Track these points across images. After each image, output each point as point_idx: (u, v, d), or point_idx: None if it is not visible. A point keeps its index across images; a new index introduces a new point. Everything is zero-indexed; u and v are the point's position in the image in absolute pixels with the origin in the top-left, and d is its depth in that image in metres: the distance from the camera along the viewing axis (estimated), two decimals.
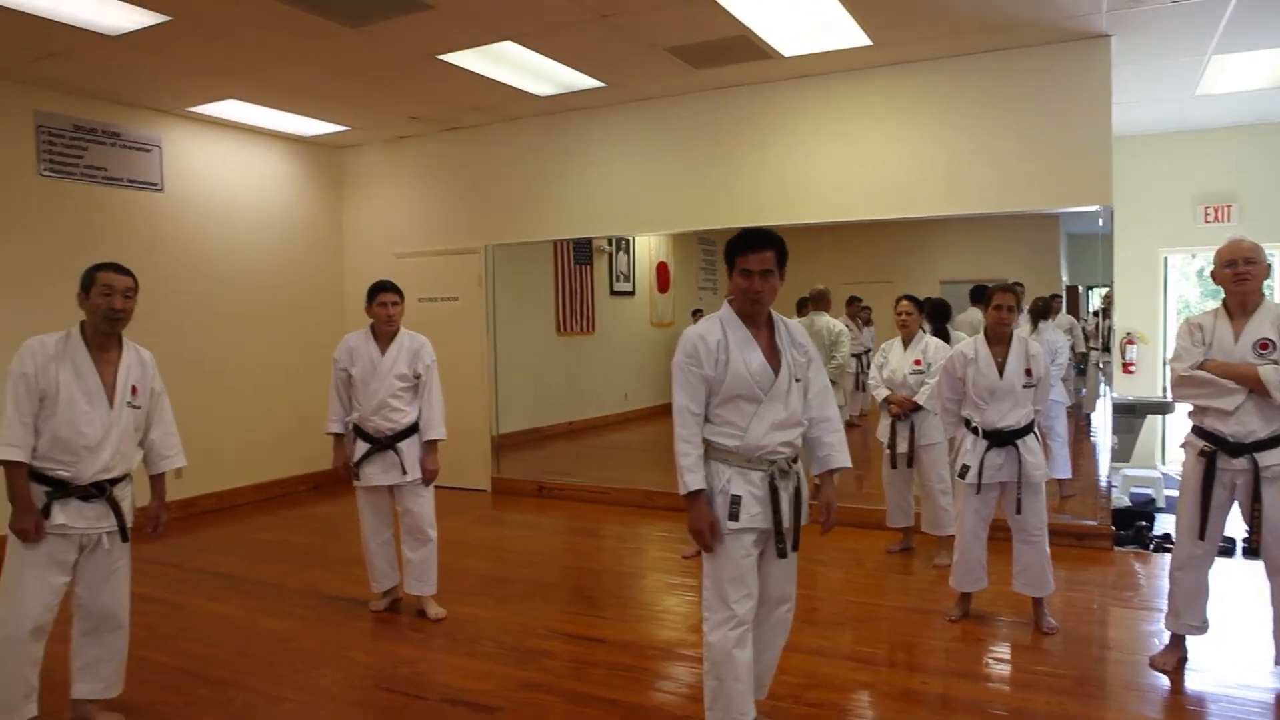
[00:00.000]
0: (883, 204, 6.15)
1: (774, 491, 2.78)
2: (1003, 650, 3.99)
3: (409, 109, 7.02)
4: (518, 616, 4.50)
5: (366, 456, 4.43)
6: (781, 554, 2.84)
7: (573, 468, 8.03)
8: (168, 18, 4.86)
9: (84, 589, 3.26)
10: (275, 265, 7.86)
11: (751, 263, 2.74)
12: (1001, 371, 4.03)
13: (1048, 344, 5.57)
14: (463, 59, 5.70)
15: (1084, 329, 7.34)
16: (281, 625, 4.48)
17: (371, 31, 5.14)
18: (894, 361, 5.34)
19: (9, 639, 3.02)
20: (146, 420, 3.43)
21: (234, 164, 7.51)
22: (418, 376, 4.47)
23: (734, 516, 2.77)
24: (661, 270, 11.64)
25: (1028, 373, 4.04)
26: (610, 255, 10.79)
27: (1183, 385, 3.51)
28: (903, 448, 5.28)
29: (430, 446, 4.48)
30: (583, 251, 10.09)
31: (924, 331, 5.37)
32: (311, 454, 7.85)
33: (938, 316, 5.61)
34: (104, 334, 3.27)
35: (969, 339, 4.25)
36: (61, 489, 3.10)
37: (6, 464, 3.03)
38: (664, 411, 8.82)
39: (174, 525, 6.69)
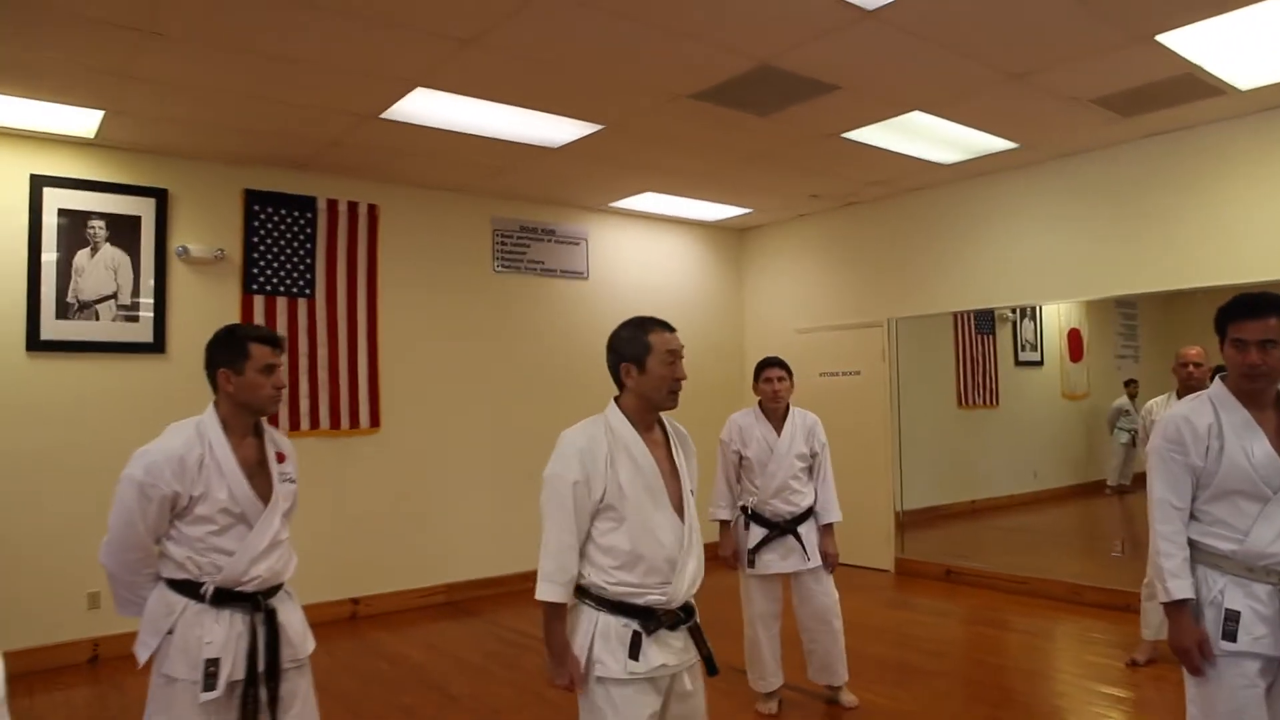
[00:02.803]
0: None
1: None
2: None
3: (810, 188, 7.15)
4: (930, 712, 4.19)
5: (765, 542, 4.25)
6: None
7: (976, 550, 7.46)
8: (601, 126, 5.44)
9: None
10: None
11: (1247, 332, 2.33)
12: None
13: None
14: (866, 134, 5.69)
15: None
16: None
17: (778, 118, 5.32)
18: None
19: None
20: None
21: (647, 250, 8.18)
22: (814, 455, 4.35)
23: (1230, 636, 2.32)
24: (1074, 337, 10.61)
25: None
26: (1014, 323, 10.06)
27: None
28: None
29: (828, 530, 4.30)
30: (985, 320, 9.51)
31: None
32: (709, 528, 8.09)
33: None
34: (659, 408, 2.46)
35: None
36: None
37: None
38: (1081, 493, 7.98)
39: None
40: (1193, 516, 2.42)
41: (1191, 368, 4.35)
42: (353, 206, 6.43)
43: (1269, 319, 2.31)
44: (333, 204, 6.35)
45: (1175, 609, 2.37)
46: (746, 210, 7.90)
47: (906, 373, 7.80)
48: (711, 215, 8.07)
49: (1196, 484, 2.39)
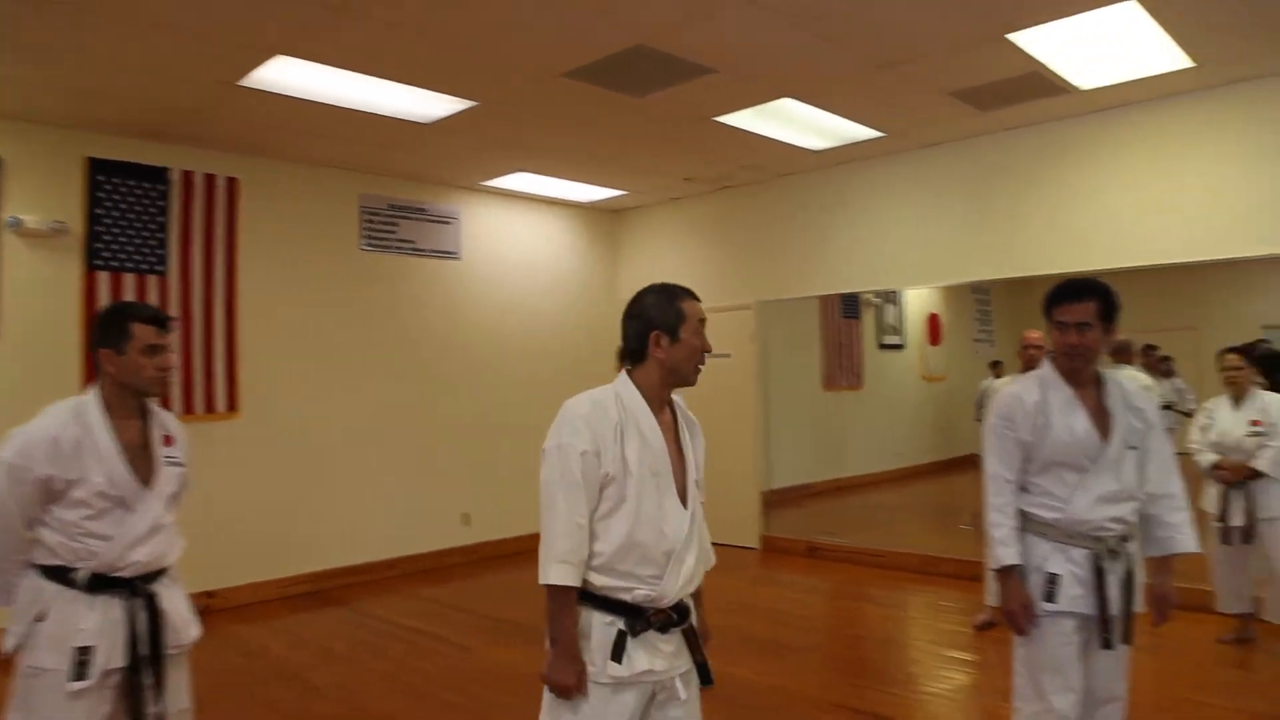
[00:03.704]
0: (1200, 244, 5.46)
1: (1100, 573, 2.47)
2: None
3: (684, 170, 7.22)
4: (799, 684, 4.34)
5: None
6: (1107, 645, 2.50)
7: (842, 527, 7.75)
8: (474, 103, 5.34)
9: None
10: (554, 324, 8.33)
11: (1067, 314, 2.49)
12: None
13: None
14: (739, 119, 5.78)
15: None
16: None
17: (654, 99, 5.34)
18: (1223, 422, 4.69)
19: None
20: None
21: (520, 231, 8.09)
22: None
23: (1050, 597, 2.49)
24: (933, 323, 11.12)
25: None
26: (878, 308, 10.47)
27: None
28: (1238, 521, 4.59)
29: None
30: (850, 304, 9.85)
31: (1257, 387, 4.68)
32: None
33: (1272, 369, 4.87)
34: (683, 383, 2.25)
35: None
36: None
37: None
38: (938, 470, 8.42)
39: (459, 569, 7.19)
40: (1023, 489, 2.57)
41: (1033, 350, 4.62)
42: (210, 179, 6.11)
43: (1087, 303, 2.47)
44: (188, 175, 6.01)
45: (1004, 575, 2.53)
46: (621, 192, 7.91)
47: (774, 355, 8.00)
48: (586, 196, 8.05)
49: (1026, 458, 2.55)
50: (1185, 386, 7.31)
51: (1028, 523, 2.56)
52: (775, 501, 7.97)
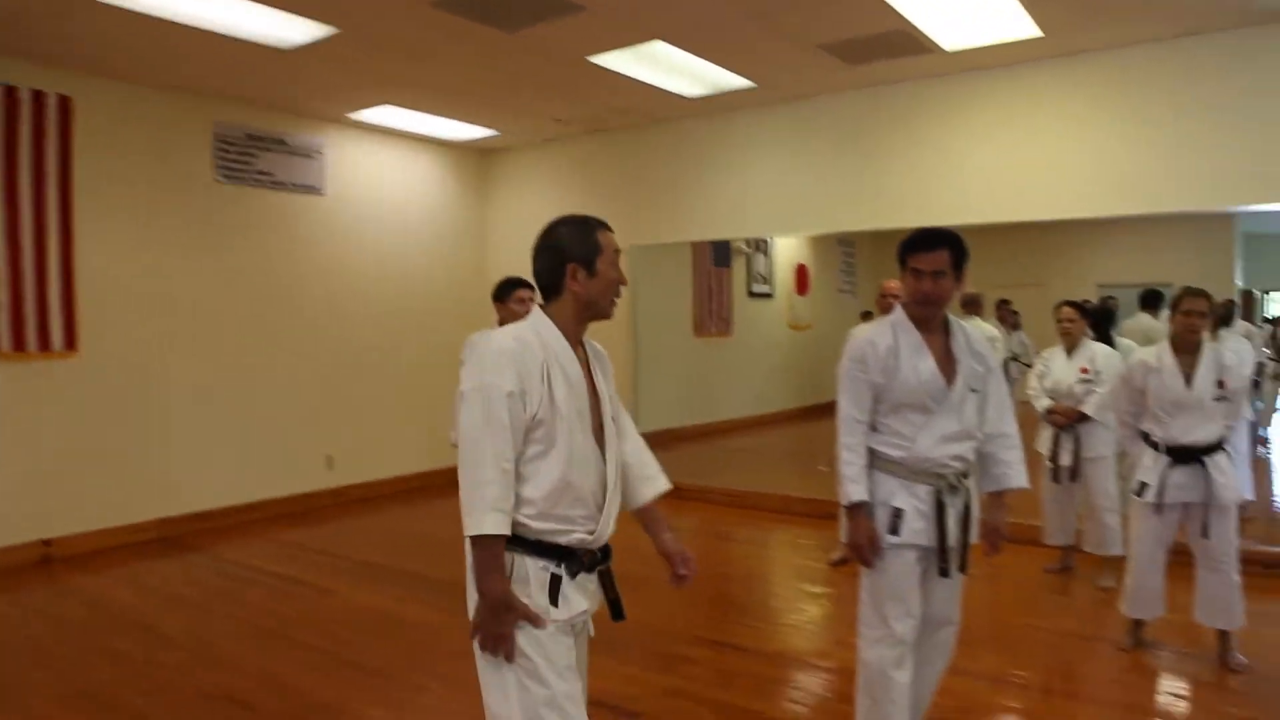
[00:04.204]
0: (1045, 205, 5.80)
1: (940, 507, 2.63)
2: (1183, 686, 3.67)
3: (556, 111, 7.11)
4: (660, 620, 4.46)
5: None
6: (944, 573, 2.67)
7: (707, 470, 7.95)
8: (336, 30, 5.08)
9: None
10: (422, 265, 8.12)
11: (922, 263, 2.60)
12: (1189, 382, 3.70)
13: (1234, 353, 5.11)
14: (612, 60, 5.72)
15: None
16: (427, 616, 4.59)
17: (525, 35, 5.21)
18: (1057, 370, 5.03)
19: None
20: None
21: (389, 168, 7.81)
22: None
23: (894, 530, 2.63)
24: (801, 273, 11.45)
25: (1220, 385, 3.70)
26: (749, 257, 10.69)
27: None
28: (1066, 461, 4.97)
29: None
30: (722, 253, 10.02)
31: (1088, 338, 5.04)
32: (450, 451, 8.07)
33: (1102, 323, 5.26)
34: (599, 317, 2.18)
35: (1151, 347, 3.93)
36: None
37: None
38: (802, 416, 8.74)
39: (325, 513, 7.03)
40: (874, 428, 2.70)
41: (892, 298, 4.81)
42: (39, 96, 5.60)
43: (942, 252, 2.58)
44: (11, 91, 5.49)
45: (853, 510, 2.67)
46: (493, 132, 7.73)
47: (647, 301, 8.06)
48: (457, 135, 7.82)
49: (877, 399, 2.67)
50: (1028, 341, 7.82)
51: (876, 460, 2.69)
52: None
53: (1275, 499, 5.49)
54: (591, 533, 2.03)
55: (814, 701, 3.57)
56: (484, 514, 1.87)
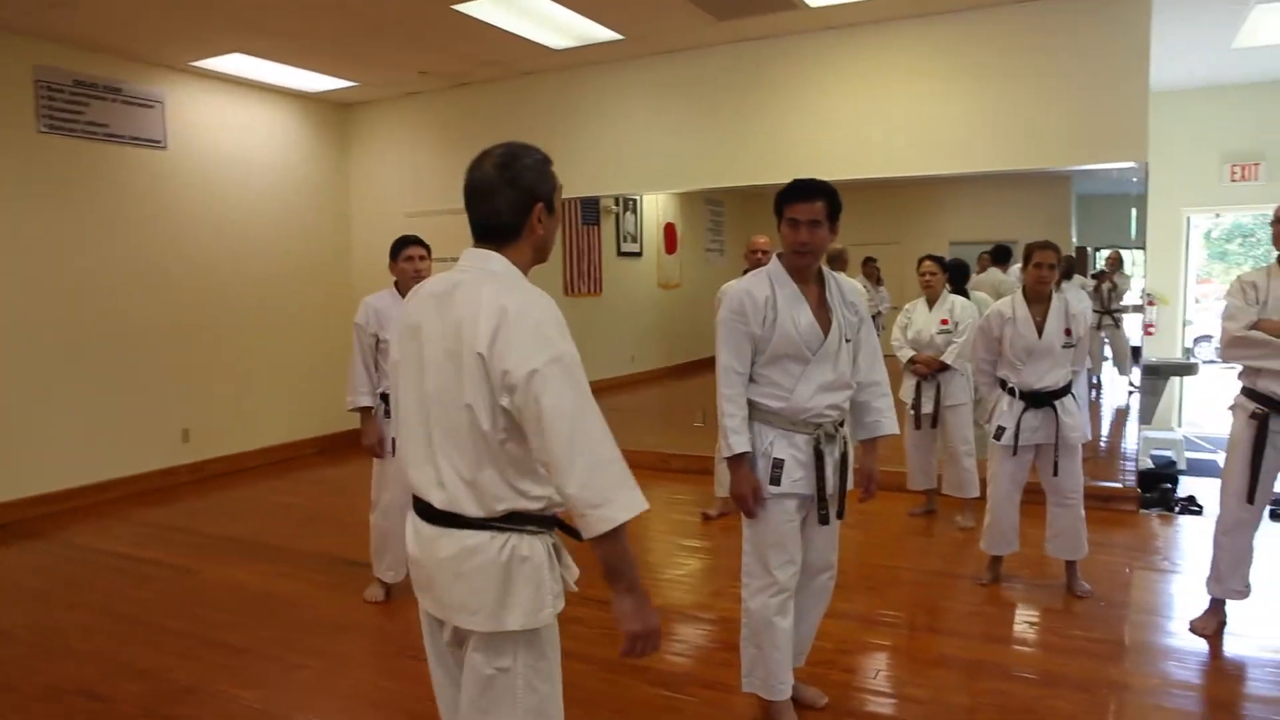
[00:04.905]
0: (899, 162, 5.99)
1: (819, 456, 2.68)
2: (1035, 615, 3.93)
3: (419, 63, 6.81)
4: None
5: None
6: (824, 521, 2.74)
7: None
8: None
9: None
10: (281, 225, 7.70)
11: (799, 212, 2.61)
12: (1040, 331, 3.91)
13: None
14: (478, 9, 5.50)
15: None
16: (297, 590, 4.41)
17: None
18: (919, 322, 5.23)
19: None
20: None
21: (239, 121, 7.32)
22: None
23: (776, 481, 2.67)
24: (669, 231, 11.47)
25: (1067, 333, 3.93)
26: (617, 215, 10.62)
27: (1236, 346, 3.39)
28: (928, 409, 5.19)
29: None
30: (590, 211, 9.92)
31: (947, 291, 5.26)
32: (318, 418, 7.79)
33: (958, 277, 5.51)
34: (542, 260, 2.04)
35: (1005, 298, 4.13)
36: None
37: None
38: (672, 374, 8.79)
39: (184, 489, 6.65)
40: (752, 380, 2.72)
41: (760, 254, 4.88)
42: None
43: (818, 202, 2.61)
44: None
45: (734, 462, 2.68)
46: (351, 83, 7.35)
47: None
48: (312, 86, 7.40)
49: (755, 350, 2.68)
50: (887, 296, 8.10)
51: (755, 411, 2.71)
52: None
53: (1105, 439, 5.95)
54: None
55: (696, 652, 3.62)
56: (635, 491, 1.70)
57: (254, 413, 7.44)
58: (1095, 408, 8.06)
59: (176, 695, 3.29)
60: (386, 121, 8.10)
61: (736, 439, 2.66)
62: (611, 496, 1.62)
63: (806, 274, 2.69)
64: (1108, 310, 7.15)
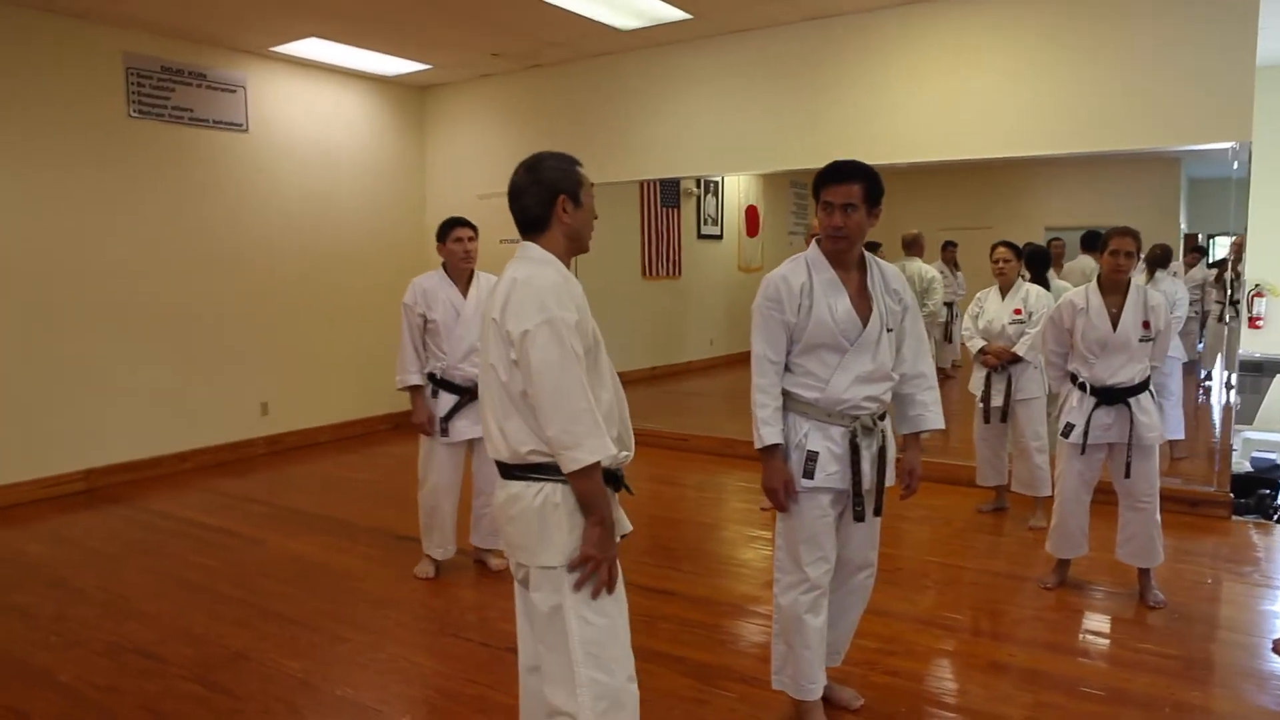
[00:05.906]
0: (991, 142, 5.69)
1: (855, 450, 2.56)
2: (1102, 623, 3.71)
3: (491, 45, 6.83)
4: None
5: (457, 409, 4.07)
6: (859, 518, 2.62)
7: (654, 413, 7.88)
8: None
9: None
10: (357, 206, 7.86)
11: (834, 195, 2.48)
12: (1115, 324, 3.67)
13: (1165, 295, 5.11)
14: None
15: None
16: (352, 564, 4.50)
17: None
18: (990, 311, 5.00)
19: None
20: None
21: (318, 105, 7.48)
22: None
23: (809, 474, 2.56)
24: (751, 214, 11.29)
25: (1145, 325, 3.67)
26: (698, 198, 10.50)
27: None
28: (998, 401, 4.96)
29: None
30: (670, 193, 9.84)
31: (1023, 279, 5.01)
32: (391, 394, 7.90)
33: (1037, 264, 5.23)
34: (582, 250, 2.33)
35: (1079, 287, 3.89)
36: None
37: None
38: (749, 359, 8.66)
39: (260, 461, 6.88)
40: (787, 369, 2.61)
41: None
42: None
43: (853, 185, 2.47)
44: None
45: (766, 453, 2.58)
46: (426, 66, 7.42)
47: (594, 243, 7.85)
48: (389, 69, 7.51)
49: (790, 339, 2.57)
50: (963, 282, 7.78)
51: (790, 402, 2.60)
52: None
53: (1214, 441, 5.60)
54: (626, 450, 2.13)
55: (736, 645, 3.53)
56: (603, 439, 1.94)
57: (329, 388, 7.63)
58: (1205, 409, 7.59)
59: (225, 661, 3.39)
60: (461, 103, 8.16)
61: (768, 430, 2.55)
62: (582, 441, 1.90)
63: (845, 260, 2.56)
64: (1232, 301, 6.70)
